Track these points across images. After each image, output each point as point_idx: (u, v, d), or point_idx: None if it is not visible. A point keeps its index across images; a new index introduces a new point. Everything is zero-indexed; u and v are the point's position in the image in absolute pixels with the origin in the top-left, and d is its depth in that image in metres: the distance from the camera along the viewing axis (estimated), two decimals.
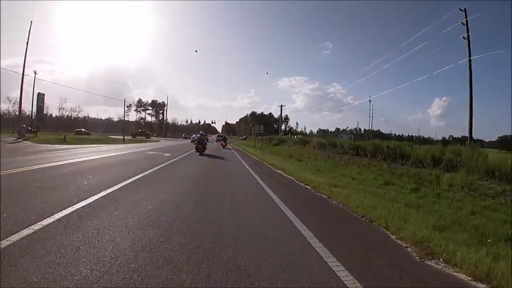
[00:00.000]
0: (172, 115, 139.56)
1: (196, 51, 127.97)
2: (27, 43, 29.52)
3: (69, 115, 75.61)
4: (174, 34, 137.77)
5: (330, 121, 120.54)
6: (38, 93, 33.44)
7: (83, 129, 51.72)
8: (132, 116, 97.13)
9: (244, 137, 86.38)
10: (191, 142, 36.27)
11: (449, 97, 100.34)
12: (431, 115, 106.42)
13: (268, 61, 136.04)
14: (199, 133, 20.24)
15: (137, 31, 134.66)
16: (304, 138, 34.56)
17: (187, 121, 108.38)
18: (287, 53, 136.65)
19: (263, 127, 39.54)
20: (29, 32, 29.54)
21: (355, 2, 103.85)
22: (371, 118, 65.91)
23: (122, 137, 38.37)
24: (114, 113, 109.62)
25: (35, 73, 33.32)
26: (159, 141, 42.74)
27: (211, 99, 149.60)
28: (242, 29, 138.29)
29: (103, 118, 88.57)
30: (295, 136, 50.36)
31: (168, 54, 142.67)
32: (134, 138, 46.86)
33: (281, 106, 62.17)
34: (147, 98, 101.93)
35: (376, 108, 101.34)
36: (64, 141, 23.29)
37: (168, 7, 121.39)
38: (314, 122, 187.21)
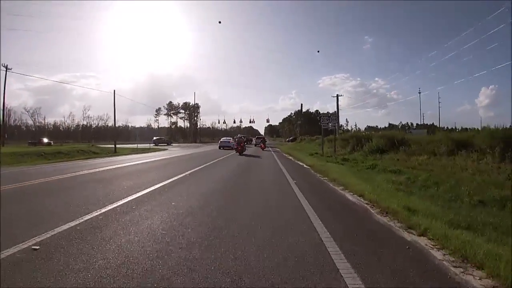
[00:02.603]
0: (211, 120, 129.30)
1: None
2: None
3: (97, 124, 72.18)
4: (215, 42, 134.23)
5: (374, 118, 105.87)
6: None
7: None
8: (163, 122, 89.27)
9: (291, 138, 73.38)
10: (219, 148, 30.77)
11: (497, 85, 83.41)
12: (478, 106, 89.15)
13: (308, 60, 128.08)
14: (238, 136, 23.28)
15: (178, 40, 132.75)
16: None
17: (218, 121, 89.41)
18: (327, 52, 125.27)
19: (335, 117, 22.17)
20: None
21: None
22: (439, 110, 53.05)
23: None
24: (153, 120, 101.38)
25: (6, 67, 30.34)
26: (168, 148, 35.20)
27: (253, 103, 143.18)
28: (280, 30, 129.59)
29: (142, 126, 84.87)
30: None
31: (209, 60, 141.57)
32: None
33: (337, 95, 44.45)
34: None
35: (423, 100, 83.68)
36: None
37: (207, 14, 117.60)
38: (357, 119, 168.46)
